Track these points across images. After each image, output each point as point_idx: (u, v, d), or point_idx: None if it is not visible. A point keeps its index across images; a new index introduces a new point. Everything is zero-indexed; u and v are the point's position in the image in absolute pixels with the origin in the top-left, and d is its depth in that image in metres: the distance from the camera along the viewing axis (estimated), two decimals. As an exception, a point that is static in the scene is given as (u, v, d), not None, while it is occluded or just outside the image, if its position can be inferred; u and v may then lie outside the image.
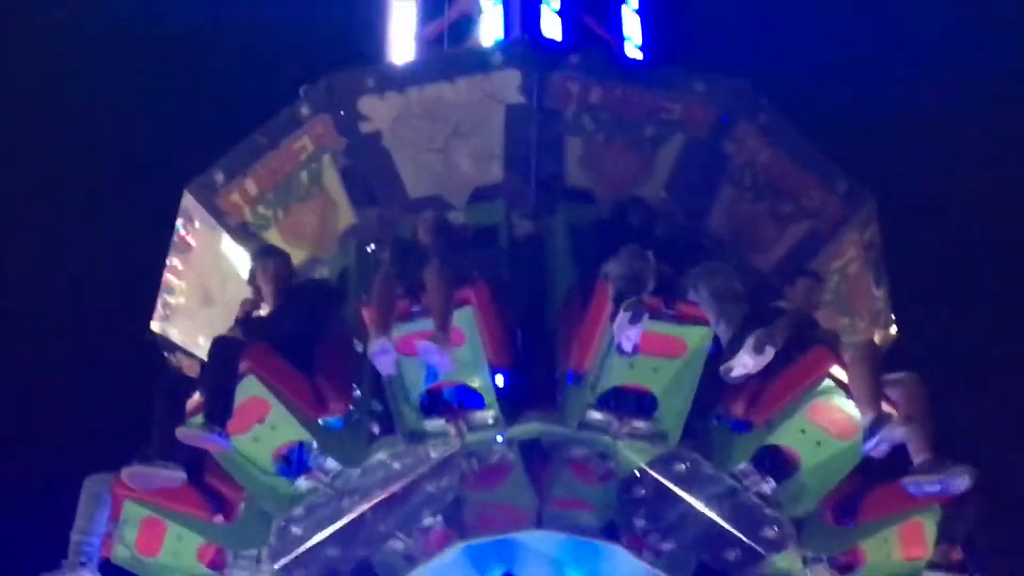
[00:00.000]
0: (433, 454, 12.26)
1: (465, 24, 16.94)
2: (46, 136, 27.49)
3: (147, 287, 14.83)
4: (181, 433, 11.19)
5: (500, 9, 16.20)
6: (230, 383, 11.64)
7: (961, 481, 10.95)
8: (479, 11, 16.64)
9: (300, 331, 12.47)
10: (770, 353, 11.02)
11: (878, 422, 11.01)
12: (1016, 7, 27.01)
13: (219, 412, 11.33)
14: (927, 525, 12.32)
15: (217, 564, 13.14)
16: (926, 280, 20.50)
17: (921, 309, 17.50)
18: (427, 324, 11.33)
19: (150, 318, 14.71)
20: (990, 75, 27.32)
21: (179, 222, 14.70)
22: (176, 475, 11.40)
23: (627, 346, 11.04)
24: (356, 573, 12.36)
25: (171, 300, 14.78)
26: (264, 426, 12.26)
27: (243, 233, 14.37)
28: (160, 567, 13.00)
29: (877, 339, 14.06)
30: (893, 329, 14.63)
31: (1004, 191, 25.89)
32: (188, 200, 14.56)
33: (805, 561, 12.72)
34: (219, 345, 11.90)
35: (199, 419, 11.41)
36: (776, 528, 12.51)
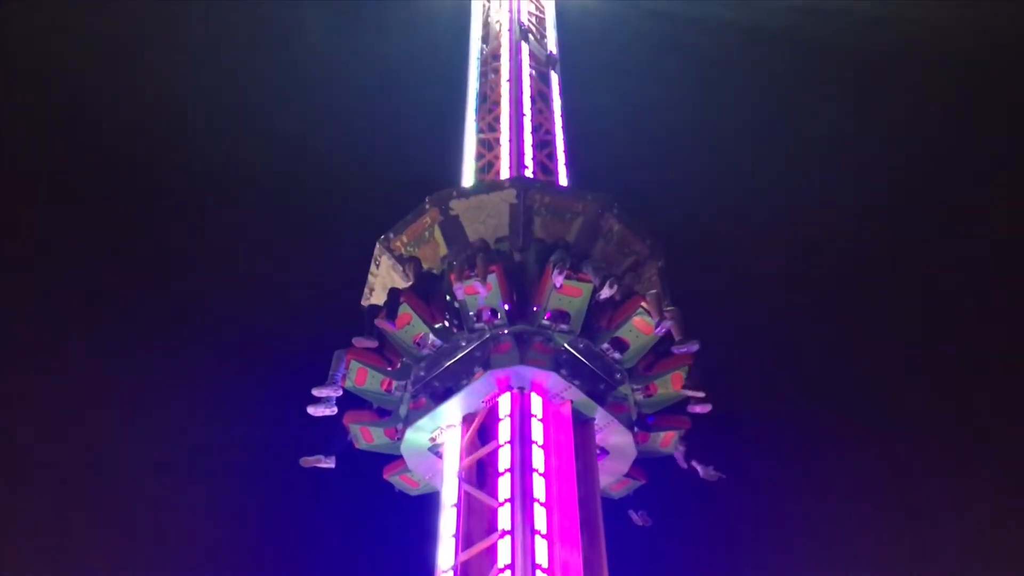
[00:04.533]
0: (478, 339, 26.58)
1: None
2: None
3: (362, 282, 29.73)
4: (380, 324, 26.23)
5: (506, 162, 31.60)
6: (395, 306, 26.66)
7: (695, 346, 25.64)
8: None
9: (425, 289, 27.41)
10: (615, 290, 25.94)
11: (660, 322, 25.78)
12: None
13: (391, 315, 26.39)
14: (684, 376, 26.79)
15: (389, 389, 27.38)
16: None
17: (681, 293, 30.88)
18: (476, 283, 26.01)
19: (361, 296, 29.75)
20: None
21: (375, 253, 29.74)
22: (373, 342, 26.32)
23: (557, 284, 25.90)
24: (443, 393, 26.30)
25: (371, 284, 29.62)
26: (409, 326, 27.04)
27: (400, 257, 29.26)
28: (364, 391, 27.37)
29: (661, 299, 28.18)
30: (668, 308, 28.13)
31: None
32: (380, 244, 29.67)
33: (632, 390, 27.19)
34: (392, 292, 27.15)
35: (384, 318, 26.30)
36: (620, 373, 27.09)
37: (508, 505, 23.28)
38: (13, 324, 44.23)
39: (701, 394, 26.65)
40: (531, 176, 31.39)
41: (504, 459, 24.33)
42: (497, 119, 35.51)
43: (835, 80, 50.26)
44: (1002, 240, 46.95)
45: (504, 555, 22.47)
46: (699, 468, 28.06)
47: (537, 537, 22.72)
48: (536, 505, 23.32)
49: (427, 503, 27.52)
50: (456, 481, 24.96)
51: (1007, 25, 47.77)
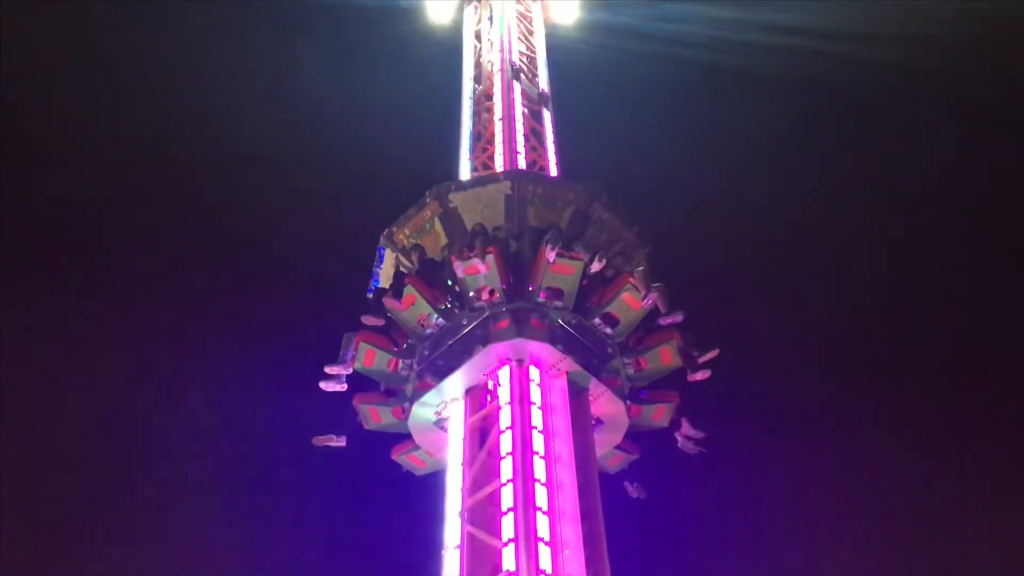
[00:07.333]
0: (478, 317, 27.83)
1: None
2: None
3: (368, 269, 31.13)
4: (387, 303, 27.58)
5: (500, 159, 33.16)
6: (400, 288, 28.03)
7: (679, 316, 27.04)
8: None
9: (427, 272, 28.77)
10: (604, 264, 27.49)
11: (647, 295, 27.19)
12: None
13: (397, 296, 27.74)
14: (671, 350, 28.05)
15: (396, 369, 28.64)
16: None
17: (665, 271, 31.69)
18: (476, 260, 27.36)
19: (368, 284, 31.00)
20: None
21: (380, 245, 31.14)
22: (380, 320, 27.68)
23: (551, 259, 27.30)
24: (447, 371, 27.45)
25: (376, 274, 30.87)
26: (414, 306, 28.35)
27: (403, 248, 30.65)
28: (372, 371, 28.65)
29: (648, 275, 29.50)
30: (655, 284, 29.46)
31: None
32: (384, 238, 31.05)
33: (623, 363, 28.46)
34: (397, 276, 28.52)
35: (392, 299, 27.67)
36: (611, 348, 28.41)
37: (512, 545, 23.46)
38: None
39: (715, 352, 28.22)
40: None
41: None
42: (491, 158, 35.89)
43: (826, 117, 51.96)
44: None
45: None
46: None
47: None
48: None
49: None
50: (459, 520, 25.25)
51: (1002, 66, 49.42)
